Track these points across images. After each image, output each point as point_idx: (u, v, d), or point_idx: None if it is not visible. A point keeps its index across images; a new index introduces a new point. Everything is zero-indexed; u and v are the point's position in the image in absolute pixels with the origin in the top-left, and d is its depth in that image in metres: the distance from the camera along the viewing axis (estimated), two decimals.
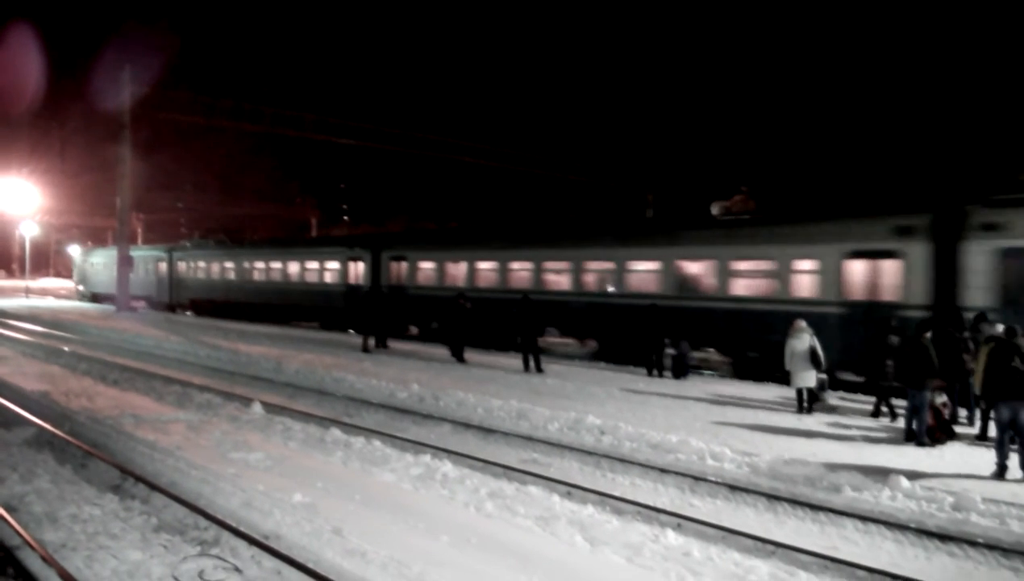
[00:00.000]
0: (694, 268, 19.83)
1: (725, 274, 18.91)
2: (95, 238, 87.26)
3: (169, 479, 8.91)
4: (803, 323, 13.85)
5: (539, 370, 18.20)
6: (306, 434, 11.55)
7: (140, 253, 46.59)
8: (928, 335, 11.58)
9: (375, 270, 28.70)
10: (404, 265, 27.60)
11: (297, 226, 76.92)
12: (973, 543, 7.37)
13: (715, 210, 24.01)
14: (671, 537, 7.41)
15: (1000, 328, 11.69)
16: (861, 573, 6.66)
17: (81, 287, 53.88)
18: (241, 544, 6.84)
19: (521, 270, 23.73)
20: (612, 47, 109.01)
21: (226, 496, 8.27)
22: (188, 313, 40.22)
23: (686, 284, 19.86)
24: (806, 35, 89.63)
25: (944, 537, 7.54)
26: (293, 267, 33.43)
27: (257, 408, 13.26)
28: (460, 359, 20.06)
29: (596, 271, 22.04)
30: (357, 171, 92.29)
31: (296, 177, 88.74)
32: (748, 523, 7.95)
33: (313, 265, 32.24)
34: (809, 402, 13.63)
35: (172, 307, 42.07)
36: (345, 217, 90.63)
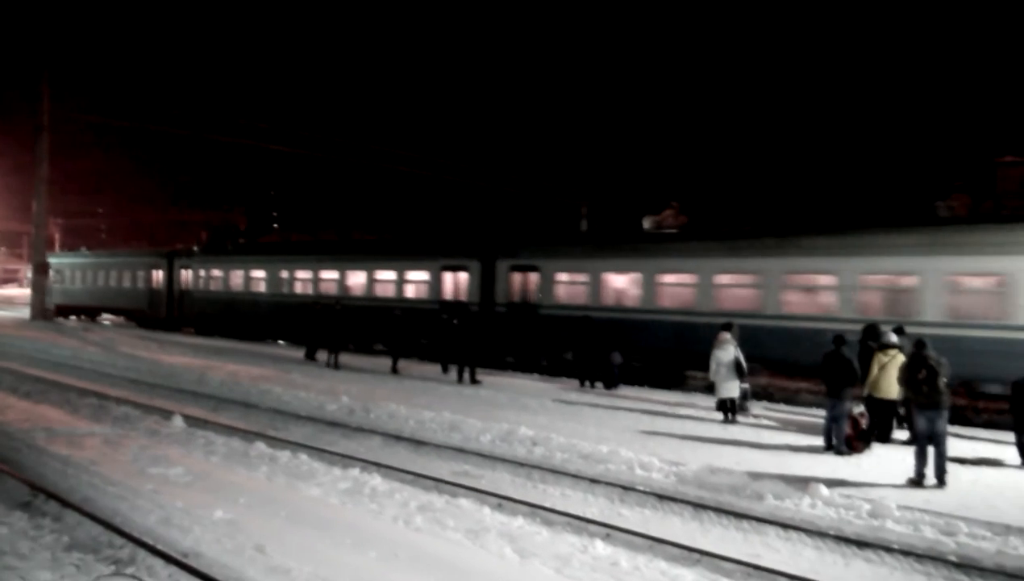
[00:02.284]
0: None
1: None
2: (10, 244, 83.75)
3: (83, 495, 8.54)
4: (728, 335, 14.15)
5: (473, 381, 18.13)
6: (229, 448, 11.22)
7: (123, 259, 39.26)
8: (843, 348, 11.97)
9: (486, 283, 22.64)
10: (533, 277, 21.59)
11: (225, 233, 75.02)
12: (889, 549, 7.63)
13: (647, 224, 24.46)
14: (600, 547, 7.46)
15: (893, 337, 12.19)
16: (783, 580, 6.82)
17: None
18: (158, 562, 6.59)
19: (736, 285, 18.01)
20: (548, 61, 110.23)
21: (143, 513, 7.97)
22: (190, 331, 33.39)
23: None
24: (734, 54, 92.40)
25: (861, 544, 7.79)
26: (355, 278, 26.65)
27: (178, 421, 12.84)
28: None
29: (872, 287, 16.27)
30: (288, 178, 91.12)
31: (224, 183, 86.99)
32: (675, 532, 8.07)
33: (386, 276, 25.62)
34: (733, 412, 13.95)
35: (170, 325, 34.28)
36: (275, 225, 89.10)
